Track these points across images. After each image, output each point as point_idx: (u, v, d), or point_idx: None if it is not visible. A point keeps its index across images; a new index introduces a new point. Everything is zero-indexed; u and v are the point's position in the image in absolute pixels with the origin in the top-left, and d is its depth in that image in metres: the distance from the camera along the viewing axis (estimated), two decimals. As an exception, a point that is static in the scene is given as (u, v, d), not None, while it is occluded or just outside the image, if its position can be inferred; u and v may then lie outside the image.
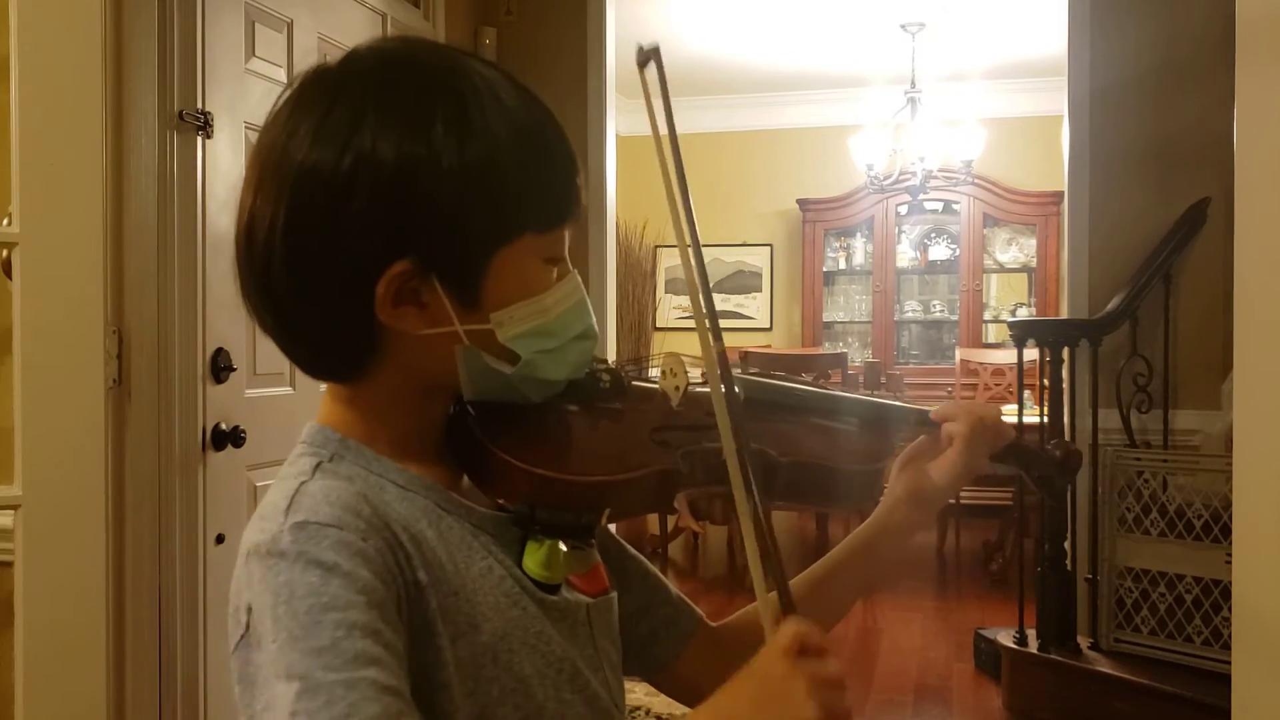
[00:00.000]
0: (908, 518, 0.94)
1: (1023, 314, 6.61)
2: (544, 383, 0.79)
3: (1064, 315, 3.58)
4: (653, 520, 5.64)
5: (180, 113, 2.19)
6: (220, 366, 2.31)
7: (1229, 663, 1.72)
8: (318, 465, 0.74)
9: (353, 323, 0.73)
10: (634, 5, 5.09)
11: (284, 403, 2.49)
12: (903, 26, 5.45)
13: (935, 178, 6.02)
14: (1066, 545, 3.24)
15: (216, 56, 2.30)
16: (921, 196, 6.16)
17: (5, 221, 1.81)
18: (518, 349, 0.76)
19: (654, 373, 0.88)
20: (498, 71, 0.76)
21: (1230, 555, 1.75)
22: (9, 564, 1.80)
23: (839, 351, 6.10)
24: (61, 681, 1.80)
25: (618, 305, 5.27)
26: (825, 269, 7.08)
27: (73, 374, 1.81)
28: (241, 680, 0.68)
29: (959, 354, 6.34)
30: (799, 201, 6.96)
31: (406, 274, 0.71)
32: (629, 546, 0.95)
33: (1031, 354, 3.31)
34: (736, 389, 0.73)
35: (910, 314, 7.05)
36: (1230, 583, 1.78)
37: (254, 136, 2.39)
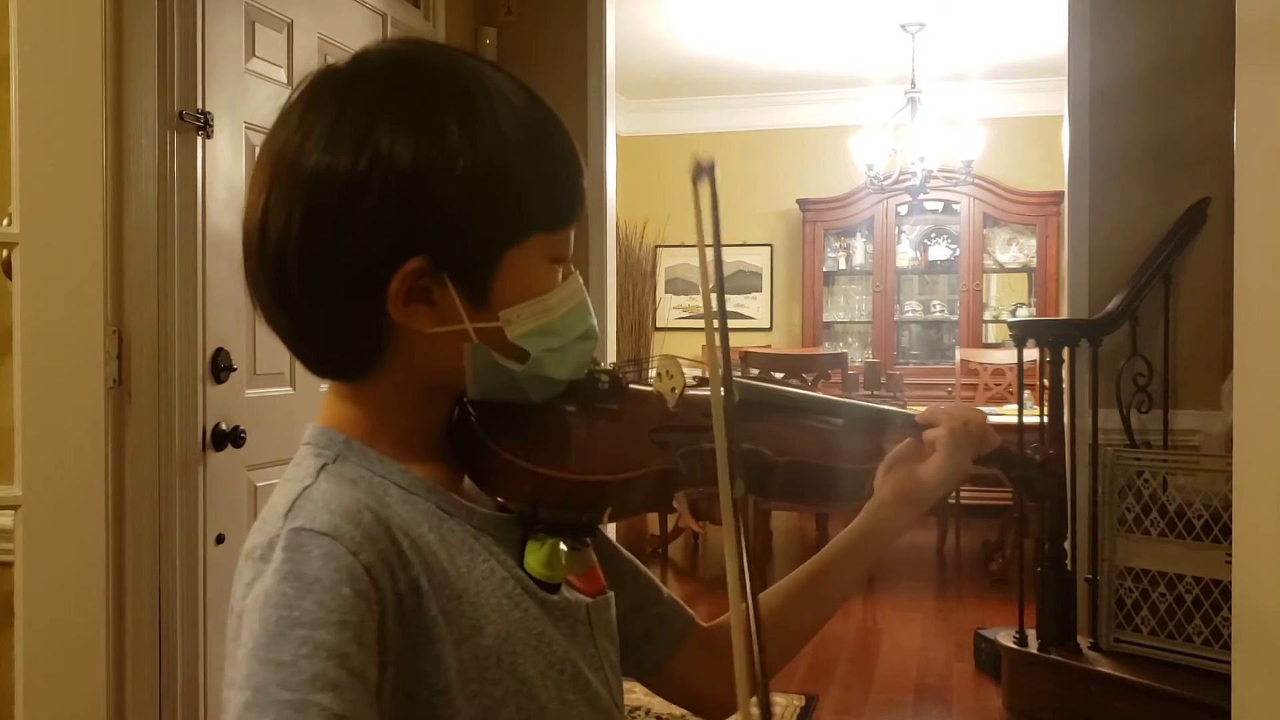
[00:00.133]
0: (894, 518, 0.97)
1: (1023, 314, 6.61)
2: (548, 381, 0.79)
3: (1064, 315, 3.58)
4: (653, 520, 5.64)
5: (180, 113, 2.19)
6: (220, 366, 2.31)
7: (1229, 663, 1.72)
8: (322, 467, 0.74)
9: (363, 321, 0.73)
10: (634, 5, 5.09)
11: (284, 403, 2.49)
12: (903, 26, 5.45)
13: (935, 178, 6.02)
14: (1066, 545, 3.24)
15: (216, 56, 2.30)
16: (921, 196, 6.16)
17: (5, 221, 1.81)
18: (526, 346, 0.77)
19: (651, 374, 0.89)
20: (502, 73, 0.77)
21: (1230, 555, 1.74)
22: (9, 564, 1.80)
23: (839, 351, 6.10)
24: (61, 681, 1.80)
25: (618, 305, 5.27)
26: (825, 269, 7.08)
27: (73, 374, 1.81)
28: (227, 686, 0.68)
29: (959, 354, 6.34)
30: (799, 201, 6.96)
31: (418, 272, 0.72)
32: (621, 548, 0.96)
33: (1031, 354, 3.31)
34: (732, 392, 0.74)
35: (910, 314, 7.06)
36: (1230, 583, 1.78)
37: (254, 136, 2.41)
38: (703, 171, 0.73)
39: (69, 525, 1.81)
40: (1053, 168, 4.98)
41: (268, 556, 0.66)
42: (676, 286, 7.40)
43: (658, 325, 7.42)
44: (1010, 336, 3.57)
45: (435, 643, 0.69)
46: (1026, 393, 3.70)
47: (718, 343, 0.71)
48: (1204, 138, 3.10)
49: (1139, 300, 3.16)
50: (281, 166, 0.72)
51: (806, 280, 7.04)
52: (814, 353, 6.28)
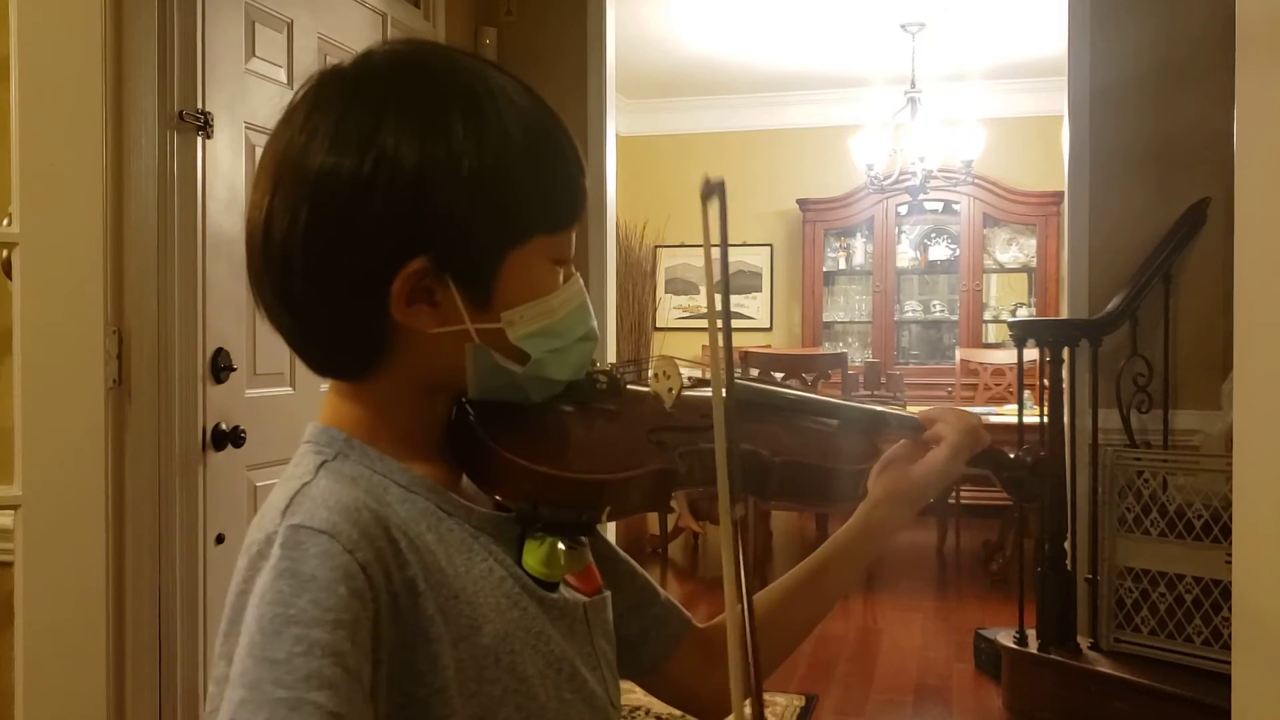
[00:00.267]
0: (887, 517, 0.98)
1: (1023, 314, 6.62)
2: (548, 382, 0.80)
3: (1064, 315, 3.59)
4: (653, 520, 5.64)
5: (180, 113, 2.19)
6: (220, 366, 2.31)
7: (1229, 663, 1.72)
8: (321, 464, 0.74)
9: (366, 320, 0.73)
10: (634, 5, 5.09)
11: (284, 403, 2.49)
12: (903, 26, 5.45)
13: (935, 178, 6.02)
14: (1066, 545, 3.24)
15: (216, 56, 2.30)
16: (921, 196, 6.16)
17: (5, 221, 1.81)
18: (527, 348, 0.77)
19: (648, 375, 0.90)
20: (504, 74, 0.77)
21: (1230, 555, 1.74)
22: (9, 564, 1.80)
23: (839, 351, 6.10)
24: (61, 681, 1.80)
25: (618, 305, 5.27)
26: (825, 269, 7.08)
27: (73, 374, 1.81)
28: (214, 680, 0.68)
29: (959, 354, 6.34)
30: (799, 201, 6.96)
31: (421, 273, 0.72)
32: (619, 549, 0.96)
33: (1031, 354, 3.31)
34: (729, 393, 0.74)
35: (910, 314, 7.06)
36: (1230, 583, 1.78)
37: (254, 137, 2.41)
38: (713, 190, 0.73)
39: (69, 525, 1.81)
40: (1053, 168, 4.98)
41: (265, 553, 0.66)
42: (676, 286, 7.40)
43: (658, 325, 7.42)
44: (1010, 336, 3.57)
45: (432, 642, 0.69)
46: (1026, 393, 3.71)
47: (721, 356, 0.72)
48: (1204, 138, 3.10)
49: (1139, 300, 3.16)
50: (286, 167, 0.72)
51: (806, 280, 7.04)
52: (814, 353, 6.29)
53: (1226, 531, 2.73)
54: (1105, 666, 3.02)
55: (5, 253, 1.85)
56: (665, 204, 6.88)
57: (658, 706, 3.15)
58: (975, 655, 3.72)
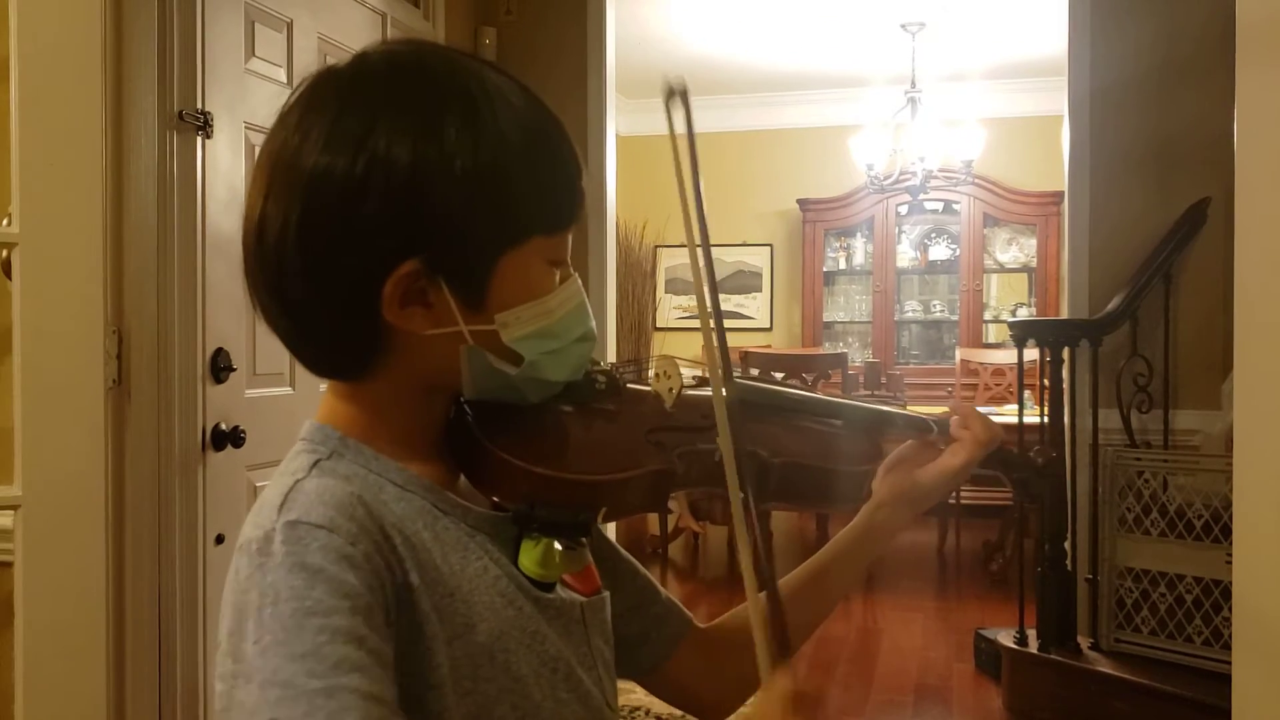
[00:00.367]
0: (889, 519, 0.98)
1: (1023, 314, 6.61)
2: (545, 383, 0.80)
3: (1064, 315, 3.59)
4: (653, 520, 5.64)
5: (180, 113, 2.19)
6: (220, 366, 2.31)
7: (1229, 663, 1.72)
8: (315, 463, 0.74)
9: (361, 322, 0.73)
10: (634, 5, 5.09)
11: (284, 403, 2.49)
12: (903, 26, 5.45)
13: (935, 178, 6.02)
14: (1066, 545, 3.24)
15: (216, 56, 2.30)
16: (921, 196, 6.16)
17: (5, 221, 1.81)
18: (522, 350, 0.76)
19: (649, 374, 0.89)
20: (503, 75, 0.77)
21: (1230, 555, 1.74)
22: (9, 564, 1.80)
23: (839, 351, 6.10)
24: (61, 681, 1.80)
25: (618, 305, 5.27)
26: (825, 269, 7.08)
27: (73, 374, 1.81)
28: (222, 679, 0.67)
29: (959, 354, 6.34)
30: (799, 201, 6.96)
31: (414, 274, 0.72)
32: (620, 548, 0.96)
33: (1032, 354, 3.31)
34: (729, 392, 0.74)
35: (910, 314, 7.06)
36: (1230, 583, 1.78)
37: (254, 136, 2.41)
38: (675, 95, 0.73)
39: (69, 525, 1.81)
40: (1053, 168, 4.97)
41: (265, 550, 0.66)
42: (676, 286, 7.40)
43: (657, 325, 7.42)
44: (1010, 336, 3.57)
45: (427, 639, 0.69)
46: (1026, 393, 3.70)
47: (705, 280, 0.71)
48: (1204, 138, 3.10)
49: (1139, 300, 3.16)
50: (280, 168, 0.72)
51: (806, 280, 7.04)
52: (814, 353, 6.29)
53: (1227, 531, 2.73)
54: (1105, 666, 3.02)
55: (5, 253, 1.85)
56: (665, 204, 6.86)
57: (658, 706, 3.15)
58: (975, 655, 3.71)
